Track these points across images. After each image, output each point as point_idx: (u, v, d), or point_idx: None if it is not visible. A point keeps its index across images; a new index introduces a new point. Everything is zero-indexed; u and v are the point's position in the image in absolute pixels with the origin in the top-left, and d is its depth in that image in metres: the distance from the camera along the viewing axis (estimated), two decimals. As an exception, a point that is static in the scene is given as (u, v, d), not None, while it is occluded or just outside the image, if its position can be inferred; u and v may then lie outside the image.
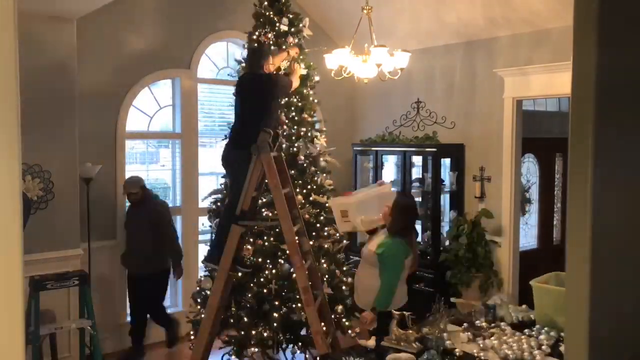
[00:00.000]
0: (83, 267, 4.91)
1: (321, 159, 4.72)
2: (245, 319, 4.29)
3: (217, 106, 6.11)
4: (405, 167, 5.93)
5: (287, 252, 3.95)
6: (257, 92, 3.97)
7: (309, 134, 4.65)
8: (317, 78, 4.76)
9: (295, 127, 4.58)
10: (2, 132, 0.95)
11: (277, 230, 4.41)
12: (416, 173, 6.06)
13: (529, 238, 6.57)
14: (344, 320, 4.49)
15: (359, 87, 5.79)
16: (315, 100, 4.78)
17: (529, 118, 5.72)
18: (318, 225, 4.57)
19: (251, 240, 4.37)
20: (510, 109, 5.30)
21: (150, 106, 5.66)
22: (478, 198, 5.57)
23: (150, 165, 5.91)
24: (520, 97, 5.27)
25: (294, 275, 4.00)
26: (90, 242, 4.98)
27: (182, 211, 5.71)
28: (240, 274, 4.22)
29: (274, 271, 4.34)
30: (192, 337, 4.44)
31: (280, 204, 3.77)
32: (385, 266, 3.73)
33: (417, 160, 6.05)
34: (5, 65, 0.95)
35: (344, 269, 4.64)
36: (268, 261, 4.37)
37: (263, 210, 4.41)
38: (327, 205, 4.63)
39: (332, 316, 4.40)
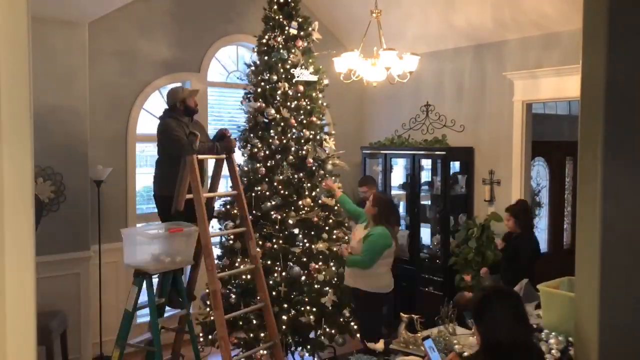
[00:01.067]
0: (93, 269, 4.95)
1: (330, 162, 4.73)
2: (254, 322, 4.30)
3: (227, 109, 6.13)
4: (414, 170, 5.92)
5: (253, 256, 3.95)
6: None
7: (318, 137, 4.66)
8: (326, 81, 4.77)
9: (304, 130, 4.59)
10: (15, 135, 0.96)
11: (286, 233, 4.43)
12: (425, 176, 6.05)
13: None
14: (351, 323, 4.49)
15: (368, 90, 5.79)
16: (324, 104, 4.80)
17: (539, 121, 5.69)
18: (327, 228, 4.57)
19: (260, 243, 4.38)
20: (520, 112, 5.28)
21: (161, 109, 5.68)
22: (487, 201, 5.55)
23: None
24: (530, 100, 5.25)
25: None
26: (101, 244, 5.01)
27: (191, 214, 5.73)
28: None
29: (283, 274, 4.35)
30: (202, 339, 4.46)
31: (199, 205, 3.76)
32: (367, 247, 4.17)
33: (427, 163, 6.04)
34: (19, 69, 0.97)
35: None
36: (278, 264, 4.37)
37: (272, 213, 4.42)
38: (335, 208, 4.64)
39: (340, 319, 4.40)
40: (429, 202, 6.12)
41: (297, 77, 4.60)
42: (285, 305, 4.30)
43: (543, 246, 6.61)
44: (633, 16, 1.26)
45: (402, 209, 6.44)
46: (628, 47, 1.26)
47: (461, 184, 5.77)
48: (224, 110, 6.14)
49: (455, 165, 5.87)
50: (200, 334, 4.49)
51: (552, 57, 5.00)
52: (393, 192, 6.29)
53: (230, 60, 6.19)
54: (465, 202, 5.79)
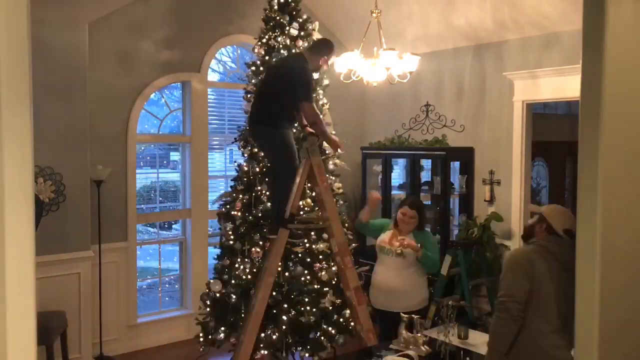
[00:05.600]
0: (93, 269, 4.96)
1: (330, 162, 4.72)
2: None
3: (227, 109, 6.14)
4: (414, 170, 5.92)
5: (336, 252, 3.96)
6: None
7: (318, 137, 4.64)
8: (326, 82, 4.75)
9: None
10: (15, 136, 0.97)
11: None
12: (425, 176, 6.06)
13: (539, 242, 6.54)
14: (351, 323, 4.48)
15: (368, 90, 5.79)
16: (325, 102, 4.75)
17: (539, 121, 5.69)
18: (327, 228, 4.55)
19: (261, 243, 4.37)
20: (520, 112, 5.28)
21: (161, 109, 5.71)
22: (488, 201, 5.55)
23: (160, 168, 5.96)
24: (530, 100, 5.25)
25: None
26: (101, 244, 5.02)
27: (191, 214, 5.74)
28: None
29: (286, 274, 4.34)
30: (202, 340, 4.46)
31: (331, 205, 3.87)
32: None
33: (427, 163, 6.05)
34: (19, 70, 0.97)
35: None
36: (280, 264, 4.36)
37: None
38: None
39: (341, 320, 4.40)
40: (429, 202, 6.12)
41: None
42: (286, 305, 4.30)
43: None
44: (633, 15, 1.26)
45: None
46: (628, 46, 1.26)
47: (461, 184, 5.77)
48: (224, 109, 6.15)
49: (455, 165, 5.88)
50: (200, 334, 4.49)
51: (552, 57, 5.00)
52: (393, 192, 6.29)
53: (231, 60, 6.20)
54: (465, 202, 5.79)
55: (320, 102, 4.71)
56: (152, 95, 5.49)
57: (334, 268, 4.45)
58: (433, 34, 5.80)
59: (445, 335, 3.33)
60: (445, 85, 5.99)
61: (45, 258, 4.47)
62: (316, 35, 4.75)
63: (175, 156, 6.14)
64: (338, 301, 4.39)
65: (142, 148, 5.70)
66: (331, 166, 4.71)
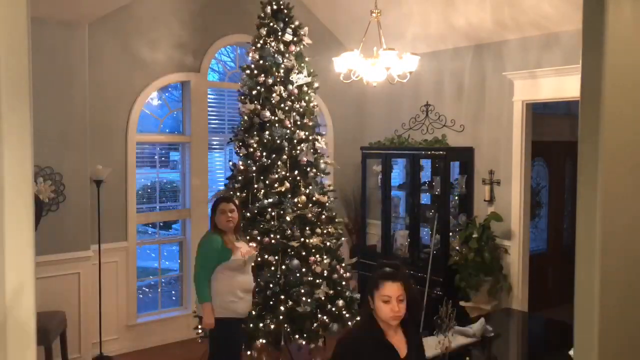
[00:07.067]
0: (93, 269, 4.96)
1: (321, 161, 4.93)
2: (253, 312, 4.43)
3: (227, 109, 6.14)
4: (414, 170, 5.92)
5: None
6: None
7: (311, 138, 4.85)
8: (316, 84, 4.98)
9: (298, 130, 4.77)
10: (15, 136, 0.97)
11: (283, 227, 4.52)
12: (425, 176, 6.05)
13: (538, 242, 6.55)
14: (344, 312, 4.69)
15: (367, 90, 5.79)
16: (315, 105, 4.99)
17: (539, 121, 5.69)
18: (319, 223, 4.78)
19: (258, 239, 4.51)
20: (520, 112, 5.28)
21: (161, 109, 5.71)
22: (487, 202, 5.55)
23: (160, 168, 5.95)
24: (530, 100, 5.25)
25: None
26: (101, 244, 5.01)
27: (191, 214, 5.74)
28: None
29: (283, 267, 4.53)
30: (201, 340, 4.55)
31: None
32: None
33: (426, 163, 6.04)
34: (19, 70, 0.97)
35: (343, 264, 4.93)
36: (276, 257, 4.56)
37: (269, 209, 4.58)
38: (327, 204, 4.86)
39: (334, 309, 4.63)
40: (429, 202, 6.12)
41: (296, 82, 4.81)
42: (283, 297, 4.49)
43: (543, 246, 6.61)
44: (633, 15, 1.26)
45: (401, 209, 6.45)
46: (628, 46, 1.26)
47: (461, 184, 5.77)
48: (224, 110, 6.15)
49: (455, 165, 5.87)
50: (199, 326, 4.53)
51: (552, 57, 5.00)
52: (393, 192, 6.29)
53: (230, 60, 6.20)
54: (465, 202, 5.79)
55: (312, 104, 4.92)
56: (152, 95, 5.49)
57: (326, 261, 4.67)
58: (433, 33, 5.80)
59: (445, 336, 3.33)
60: (445, 85, 5.98)
61: (45, 258, 4.47)
62: (306, 40, 4.96)
63: (175, 156, 6.13)
64: (331, 292, 4.64)
65: (142, 149, 5.70)
66: (323, 165, 4.94)
